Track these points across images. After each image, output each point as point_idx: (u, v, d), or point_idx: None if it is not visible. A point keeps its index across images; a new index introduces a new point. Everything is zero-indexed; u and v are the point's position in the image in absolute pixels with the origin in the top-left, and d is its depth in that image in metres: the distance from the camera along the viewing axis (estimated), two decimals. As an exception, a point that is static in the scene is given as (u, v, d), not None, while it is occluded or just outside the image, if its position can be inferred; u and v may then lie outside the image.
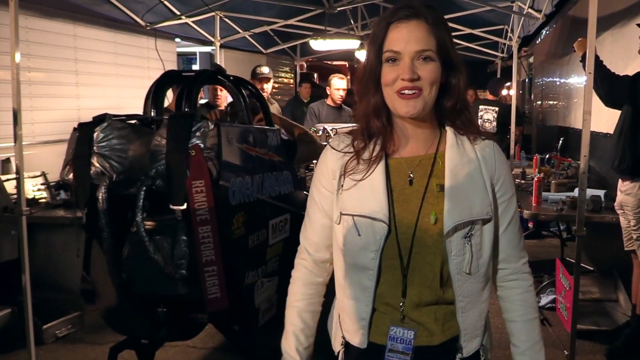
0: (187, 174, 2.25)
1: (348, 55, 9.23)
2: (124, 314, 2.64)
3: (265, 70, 5.45)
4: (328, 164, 1.38)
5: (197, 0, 5.54)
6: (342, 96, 5.82)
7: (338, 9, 6.32)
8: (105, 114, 2.52)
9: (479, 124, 6.72)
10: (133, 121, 2.64)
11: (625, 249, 3.62)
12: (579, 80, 6.30)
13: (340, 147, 1.37)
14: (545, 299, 4.37)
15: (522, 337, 1.38)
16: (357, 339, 1.35)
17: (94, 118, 2.52)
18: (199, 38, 6.70)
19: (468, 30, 7.00)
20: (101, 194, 2.37)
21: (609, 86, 3.51)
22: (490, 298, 1.36)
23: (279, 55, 9.33)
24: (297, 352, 1.43)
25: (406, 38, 1.25)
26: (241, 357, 3.35)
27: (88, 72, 5.28)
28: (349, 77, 9.70)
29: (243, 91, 2.87)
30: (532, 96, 10.78)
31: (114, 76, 5.67)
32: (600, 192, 4.03)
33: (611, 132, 3.90)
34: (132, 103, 4.84)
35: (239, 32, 6.87)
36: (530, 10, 5.51)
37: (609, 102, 3.64)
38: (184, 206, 2.28)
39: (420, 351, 1.30)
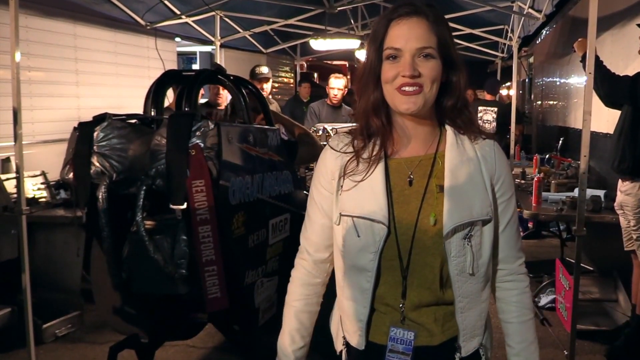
0: (187, 174, 2.25)
1: (348, 55, 9.24)
2: (123, 314, 2.64)
3: (264, 70, 5.45)
4: (327, 165, 1.37)
5: (198, -1, 5.55)
6: (335, 95, 5.82)
7: (338, 8, 6.32)
8: (106, 114, 2.52)
9: (479, 124, 6.71)
10: (133, 121, 2.64)
11: (625, 249, 3.62)
12: (579, 80, 6.30)
13: (339, 147, 1.37)
14: (545, 299, 4.37)
15: (517, 338, 1.38)
16: (355, 340, 1.35)
17: (94, 117, 2.52)
18: (199, 37, 6.70)
19: (468, 30, 7.00)
20: (101, 194, 2.37)
21: (609, 86, 3.51)
22: (490, 297, 1.36)
23: (279, 55, 9.33)
24: (291, 351, 1.43)
25: (407, 35, 1.25)
26: (241, 357, 3.35)
27: (88, 71, 5.28)
28: (349, 76, 9.71)
29: (243, 91, 2.87)
30: (532, 96, 10.78)
31: (114, 75, 5.67)
32: (600, 192, 4.03)
33: (611, 132, 3.90)
34: (132, 102, 4.84)
35: (239, 32, 6.87)
36: (530, 10, 5.51)
37: (609, 102, 3.64)
38: (184, 206, 2.28)
39: (419, 351, 1.30)
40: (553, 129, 8.03)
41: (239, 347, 3.24)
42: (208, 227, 2.27)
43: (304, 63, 10.87)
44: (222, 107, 4.60)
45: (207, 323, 3.02)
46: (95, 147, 2.42)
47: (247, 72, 5.41)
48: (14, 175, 3.42)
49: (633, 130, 3.46)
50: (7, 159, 4.12)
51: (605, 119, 4.55)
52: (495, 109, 7.02)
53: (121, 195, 2.43)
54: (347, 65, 12.69)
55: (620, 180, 3.58)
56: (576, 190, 3.68)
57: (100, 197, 2.37)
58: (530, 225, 6.54)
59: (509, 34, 7.27)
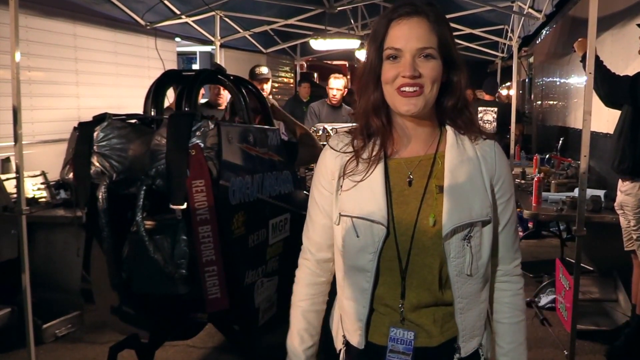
0: (187, 174, 2.26)
1: (348, 55, 9.24)
2: (123, 314, 2.64)
3: (264, 70, 5.44)
4: (327, 165, 1.37)
5: (197, -1, 5.54)
6: (335, 95, 5.82)
7: (338, 8, 6.32)
8: (106, 114, 2.53)
9: (480, 125, 6.71)
10: (133, 120, 2.64)
11: (625, 249, 3.62)
12: (579, 80, 6.30)
13: (339, 147, 1.36)
14: (545, 299, 4.37)
15: (507, 339, 1.39)
16: (355, 339, 1.35)
17: (94, 117, 2.52)
18: (199, 37, 6.69)
19: (468, 30, 7.00)
20: (101, 194, 2.37)
21: (609, 86, 3.51)
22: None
23: (279, 55, 9.33)
24: (301, 351, 1.43)
25: (407, 35, 1.24)
26: (241, 357, 3.35)
27: (88, 71, 5.28)
28: (348, 76, 9.70)
29: (243, 91, 2.87)
30: (532, 96, 10.78)
31: (114, 75, 5.67)
32: (600, 192, 4.03)
33: (611, 132, 3.90)
34: (132, 102, 4.84)
35: (239, 32, 6.87)
36: (530, 10, 5.51)
37: (609, 102, 3.64)
38: (184, 206, 2.28)
39: (418, 352, 1.30)
40: (553, 129, 8.03)
41: (239, 347, 3.23)
42: (208, 227, 2.27)
43: (304, 63, 10.87)
44: (223, 107, 4.61)
45: (207, 323, 3.02)
46: (95, 147, 2.43)
47: (247, 72, 5.40)
48: (14, 175, 3.42)
49: (633, 130, 3.46)
50: (7, 159, 4.12)
51: (605, 119, 4.55)
52: (496, 109, 7.02)
53: (121, 195, 2.43)
54: (347, 65, 12.68)
55: (620, 180, 3.58)
56: (576, 190, 3.68)
57: (100, 197, 2.37)
58: (530, 225, 6.54)
59: (509, 34, 7.27)
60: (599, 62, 3.43)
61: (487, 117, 6.94)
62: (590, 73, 3.10)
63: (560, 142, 6.18)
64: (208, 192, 2.25)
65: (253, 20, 6.72)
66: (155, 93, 2.82)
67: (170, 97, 3.10)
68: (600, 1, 3.01)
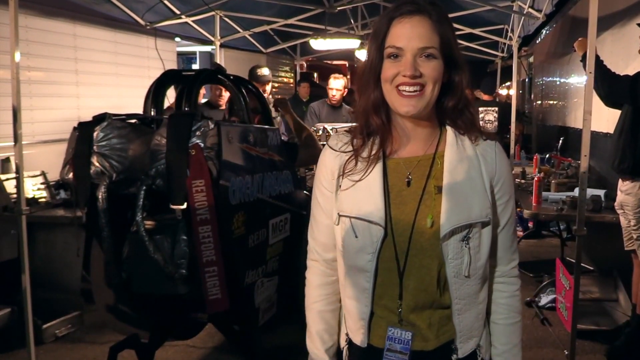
0: (187, 174, 2.26)
1: (348, 54, 9.24)
2: (123, 314, 2.64)
3: (266, 72, 5.42)
4: (327, 165, 1.37)
5: (197, -1, 5.54)
6: (334, 96, 5.82)
7: (338, 8, 6.32)
8: (105, 113, 2.53)
9: (481, 125, 6.72)
10: (133, 120, 2.64)
11: (626, 248, 3.61)
12: (579, 80, 6.30)
13: (338, 147, 1.36)
14: (545, 299, 4.37)
15: (502, 340, 1.38)
16: (357, 338, 1.35)
17: (94, 117, 2.52)
18: (199, 37, 6.69)
19: (468, 30, 7.00)
20: (101, 194, 2.37)
21: (610, 86, 3.50)
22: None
23: (279, 55, 9.32)
24: (324, 351, 1.42)
25: (409, 34, 1.23)
26: (241, 357, 3.35)
27: (88, 71, 5.28)
28: (348, 76, 9.70)
29: (243, 90, 2.88)
30: (532, 96, 10.77)
31: (113, 75, 5.67)
32: (601, 192, 4.03)
33: (611, 131, 3.90)
34: (132, 102, 4.84)
35: (239, 32, 6.87)
36: (530, 9, 5.51)
37: (610, 101, 3.64)
38: (184, 206, 2.28)
39: (415, 355, 1.29)
40: (553, 128, 8.02)
41: (239, 347, 3.23)
42: (208, 227, 2.27)
43: (304, 63, 10.87)
44: (224, 107, 4.61)
45: (207, 323, 3.02)
46: (95, 147, 2.43)
47: (246, 72, 5.39)
48: (13, 175, 3.42)
49: (633, 129, 3.46)
50: (7, 159, 4.11)
51: (605, 119, 4.54)
52: (496, 109, 7.03)
53: (121, 195, 2.43)
54: (347, 65, 12.69)
55: (620, 180, 3.58)
56: (576, 190, 3.68)
57: (100, 197, 2.37)
58: (530, 224, 6.54)
59: (509, 34, 7.27)
60: (599, 62, 3.43)
61: (489, 117, 6.94)
62: (590, 73, 3.10)
63: (561, 141, 6.17)
64: (208, 192, 2.25)
65: (253, 20, 6.72)
66: (155, 93, 2.83)
67: (170, 97, 3.10)
68: (600, 1, 3.01)
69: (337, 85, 5.81)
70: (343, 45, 7.26)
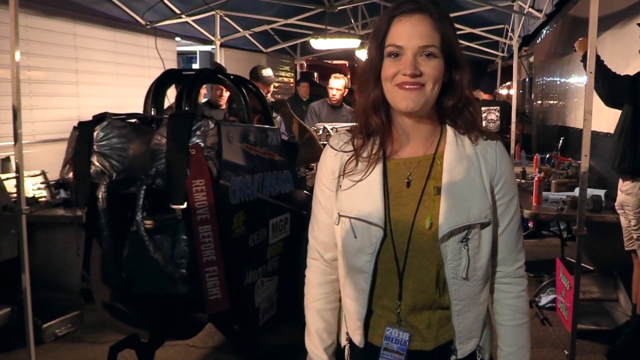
0: (187, 173, 2.25)
1: (348, 54, 9.23)
2: (123, 314, 2.64)
3: (269, 72, 5.37)
4: (327, 164, 1.37)
5: (198, -1, 5.54)
6: (334, 95, 5.82)
7: (338, 8, 6.32)
8: (106, 113, 2.53)
9: (484, 125, 6.74)
10: (133, 120, 2.64)
11: (626, 248, 3.61)
12: (579, 79, 6.29)
13: (339, 146, 1.36)
14: (545, 299, 4.37)
15: (508, 342, 1.37)
16: (356, 338, 1.35)
17: (94, 117, 2.52)
18: (199, 37, 6.69)
19: (468, 30, 7.00)
20: (101, 193, 2.37)
21: (610, 86, 3.50)
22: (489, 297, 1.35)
23: (279, 55, 9.32)
24: (323, 351, 1.42)
25: (409, 32, 1.22)
26: (241, 357, 3.35)
27: (88, 70, 5.28)
28: (349, 76, 9.69)
29: (243, 90, 2.87)
30: (533, 96, 10.76)
31: (114, 75, 5.67)
32: (601, 192, 4.03)
33: (612, 131, 3.90)
34: (132, 102, 4.84)
35: (239, 31, 6.87)
36: (530, 9, 5.51)
37: (610, 101, 3.63)
38: (184, 205, 2.28)
39: (413, 355, 1.29)
40: (553, 128, 8.02)
41: (239, 347, 3.23)
42: (208, 226, 2.27)
43: (304, 62, 10.86)
44: (224, 107, 4.61)
45: (207, 323, 3.02)
46: (95, 147, 2.43)
47: (247, 71, 5.39)
48: (13, 174, 3.42)
49: (634, 129, 3.45)
50: (7, 159, 4.11)
51: (605, 119, 4.54)
52: (498, 108, 7.04)
53: (121, 195, 2.43)
54: (347, 65, 12.68)
55: (620, 180, 3.58)
56: (577, 190, 3.68)
57: (100, 196, 2.37)
58: (530, 224, 6.54)
59: (509, 34, 7.27)
60: (599, 62, 3.42)
61: (491, 116, 6.95)
62: (590, 72, 3.10)
63: (561, 141, 6.17)
64: (208, 192, 2.25)
65: (253, 19, 6.72)
66: (156, 92, 2.83)
67: (171, 96, 3.10)
68: (600, 1, 3.01)
69: (337, 85, 5.81)
70: (343, 45, 7.26)
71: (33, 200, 3.88)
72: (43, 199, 4.01)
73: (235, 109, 2.94)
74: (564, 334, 3.78)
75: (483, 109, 6.96)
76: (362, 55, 7.62)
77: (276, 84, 8.66)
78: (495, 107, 7.03)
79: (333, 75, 5.99)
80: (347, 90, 6.06)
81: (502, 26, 7.44)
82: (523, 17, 6.10)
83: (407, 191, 1.29)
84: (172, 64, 6.56)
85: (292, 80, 10.21)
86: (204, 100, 5.31)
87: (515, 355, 1.37)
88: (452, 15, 1.28)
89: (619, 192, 3.59)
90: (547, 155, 5.93)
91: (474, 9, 6.35)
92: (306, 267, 1.48)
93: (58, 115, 4.85)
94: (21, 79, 3.12)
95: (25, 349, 3.18)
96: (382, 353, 1.30)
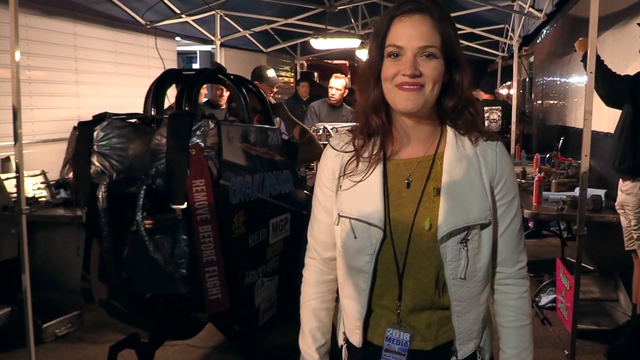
0: (187, 173, 2.25)
1: (348, 54, 9.23)
2: (123, 313, 2.64)
3: (274, 73, 5.33)
4: (328, 164, 1.37)
5: (198, -2, 5.54)
6: (334, 95, 5.81)
7: (338, 7, 6.32)
8: (106, 113, 2.52)
9: (486, 125, 6.75)
10: (133, 120, 2.64)
11: (626, 248, 3.61)
12: (579, 79, 6.29)
13: (339, 146, 1.36)
14: (545, 299, 4.37)
15: (510, 344, 1.36)
16: (354, 338, 1.35)
17: (94, 117, 2.51)
18: (199, 37, 6.69)
19: (469, 30, 7.00)
20: (101, 193, 2.37)
21: (610, 86, 3.50)
22: (490, 298, 1.35)
23: (280, 54, 9.32)
24: (315, 350, 1.43)
25: (410, 33, 1.22)
26: (241, 357, 3.35)
27: (88, 70, 5.28)
28: (349, 76, 9.69)
29: (243, 90, 2.87)
30: (533, 95, 10.76)
31: (114, 75, 5.67)
32: (601, 192, 4.03)
33: (612, 131, 3.90)
34: (132, 102, 4.84)
35: (239, 31, 6.87)
36: (531, 9, 5.51)
37: (610, 101, 3.63)
38: (184, 205, 2.28)
39: (414, 355, 1.29)
40: (553, 128, 8.02)
41: (239, 347, 3.23)
42: (208, 226, 2.27)
43: (304, 62, 10.86)
44: (224, 107, 4.60)
45: (207, 323, 3.02)
46: (95, 147, 2.42)
47: (247, 71, 5.38)
48: (13, 174, 3.42)
49: (634, 129, 3.45)
50: (7, 159, 4.11)
51: (605, 119, 4.54)
52: (500, 107, 7.05)
53: (121, 195, 2.43)
54: (348, 65, 12.67)
55: (621, 180, 3.58)
56: (577, 190, 3.68)
57: (100, 196, 2.37)
58: (530, 224, 6.54)
59: (510, 33, 7.27)
60: (599, 62, 3.42)
61: (493, 116, 6.96)
62: (591, 72, 3.10)
63: (561, 141, 6.17)
64: (208, 192, 2.25)
65: (253, 19, 6.72)
66: (156, 92, 2.82)
67: (171, 96, 3.10)
68: (601, 0, 3.01)
69: (337, 84, 5.80)
70: (343, 45, 7.26)
71: (33, 200, 3.88)
72: (43, 199, 4.01)
73: (235, 108, 2.93)
74: (564, 334, 3.78)
75: (485, 108, 6.96)
76: (362, 55, 7.62)
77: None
78: (497, 107, 7.04)
79: (334, 75, 5.99)
80: (347, 90, 6.06)
81: (502, 26, 7.44)
82: (523, 17, 6.11)
83: (407, 192, 1.29)
84: (172, 64, 6.56)
85: (292, 80, 10.22)
86: (204, 100, 5.31)
87: (518, 358, 1.36)
88: (452, 15, 1.27)
89: (619, 192, 3.59)
90: (548, 155, 5.93)
91: (474, 8, 6.35)
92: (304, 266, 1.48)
93: (58, 115, 4.85)
94: (21, 79, 3.12)
95: (25, 349, 3.19)
96: (384, 354, 1.30)
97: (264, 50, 8.22)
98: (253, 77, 5.10)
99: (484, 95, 7.27)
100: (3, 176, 3.84)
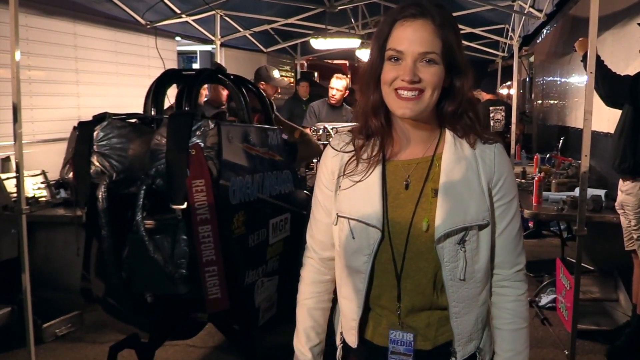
0: (187, 173, 2.25)
1: (348, 54, 9.22)
2: (123, 313, 2.64)
3: (277, 74, 5.31)
4: (327, 164, 1.37)
5: (198, -2, 5.54)
6: (334, 95, 5.81)
7: (339, 7, 6.32)
8: (106, 113, 2.52)
9: (491, 125, 6.76)
10: (133, 120, 2.63)
11: (626, 248, 3.61)
12: (579, 79, 6.29)
13: (339, 147, 1.36)
14: (545, 299, 4.37)
15: (505, 347, 1.34)
16: (349, 338, 1.36)
17: (94, 117, 2.51)
18: (199, 37, 6.69)
19: (469, 30, 7.00)
20: (101, 193, 2.37)
21: (610, 86, 3.50)
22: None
23: (280, 54, 9.32)
24: (308, 349, 1.43)
25: (410, 38, 1.21)
26: (241, 357, 3.35)
27: (88, 70, 5.27)
28: (349, 76, 9.68)
29: (243, 90, 2.87)
30: (533, 95, 10.77)
31: (114, 75, 5.67)
32: (601, 192, 4.03)
33: (612, 131, 3.90)
34: (132, 102, 4.84)
35: (239, 31, 6.87)
36: (531, 9, 5.51)
37: (610, 101, 3.63)
38: (184, 205, 2.28)
39: (417, 354, 1.29)
40: (554, 128, 8.02)
41: (239, 347, 3.23)
42: (208, 226, 2.27)
43: (305, 62, 10.86)
44: (225, 107, 4.59)
45: (207, 323, 3.02)
46: (95, 147, 2.42)
47: (247, 71, 5.39)
48: (14, 174, 3.42)
49: (634, 129, 3.46)
50: (7, 158, 4.11)
51: (606, 119, 4.54)
52: (503, 107, 7.06)
53: (121, 195, 2.43)
54: (348, 65, 12.67)
55: (621, 180, 3.58)
56: (577, 190, 3.68)
57: (100, 196, 2.37)
58: (530, 224, 6.54)
59: (510, 33, 7.27)
60: (599, 62, 3.42)
61: (497, 116, 6.97)
62: (591, 72, 3.10)
63: (561, 141, 6.17)
64: (208, 192, 2.25)
65: (253, 19, 6.72)
66: (156, 92, 2.82)
67: (171, 96, 3.10)
68: (601, 0, 3.01)
69: (338, 85, 5.80)
70: (343, 45, 7.26)
71: (33, 200, 3.88)
72: (43, 199, 4.01)
73: (235, 108, 2.93)
74: (564, 334, 3.78)
75: (490, 108, 6.97)
76: (363, 55, 7.63)
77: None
78: (501, 107, 7.05)
79: (335, 75, 5.98)
80: (347, 91, 6.06)
81: (502, 26, 7.43)
82: (523, 17, 6.10)
83: (406, 193, 1.29)
84: (172, 64, 6.56)
85: (292, 80, 10.22)
86: (204, 100, 5.31)
87: None
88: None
89: (619, 192, 3.59)
90: (548, 155, 5.93)
91: (474, 8, 6.34)
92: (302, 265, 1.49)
93: (58, 114, 4.85)
94: (21, 79, 3.12)
95: (25, 349, 3.19)
96: (390, 357, 1.30)
97: (264, 50, 8.22)
98: (259, 78, 5.07)
99: (486, 96, 7.27)
100: (3, 176, 3.84)
